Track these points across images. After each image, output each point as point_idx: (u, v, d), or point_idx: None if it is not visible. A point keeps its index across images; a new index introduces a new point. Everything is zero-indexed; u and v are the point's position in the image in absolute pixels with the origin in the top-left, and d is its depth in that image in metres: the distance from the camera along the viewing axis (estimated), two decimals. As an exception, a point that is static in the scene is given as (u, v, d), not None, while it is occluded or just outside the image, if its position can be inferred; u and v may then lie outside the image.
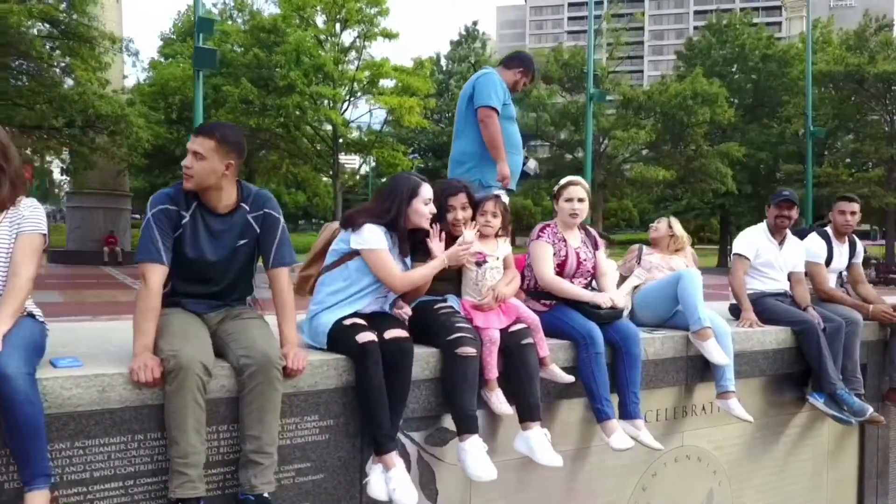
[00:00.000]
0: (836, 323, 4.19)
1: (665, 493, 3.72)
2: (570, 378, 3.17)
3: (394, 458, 2.64)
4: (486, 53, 39.60)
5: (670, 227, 4.33)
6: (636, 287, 4.06)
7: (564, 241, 3.54)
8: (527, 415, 2.98)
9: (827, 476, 4.43)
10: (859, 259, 4.89)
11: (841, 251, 4.74)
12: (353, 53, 23.63)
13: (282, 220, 2.78)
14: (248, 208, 2.70)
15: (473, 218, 3.22)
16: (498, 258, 3.23)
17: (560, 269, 3.49)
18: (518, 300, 3.25)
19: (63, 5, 15.91)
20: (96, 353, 2.62)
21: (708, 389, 3.79)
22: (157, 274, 2.48)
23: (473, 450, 2.77)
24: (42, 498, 2.08)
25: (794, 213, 4.45)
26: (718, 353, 3.54)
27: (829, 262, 4.67)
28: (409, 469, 2.89)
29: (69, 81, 18.06)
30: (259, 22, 21.91)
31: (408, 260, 3.00)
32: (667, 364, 3.66)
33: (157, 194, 2.62)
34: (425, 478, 2.95)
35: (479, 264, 3.16)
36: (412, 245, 3.03)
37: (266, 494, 2.40)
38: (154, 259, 2.49)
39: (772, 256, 4.44)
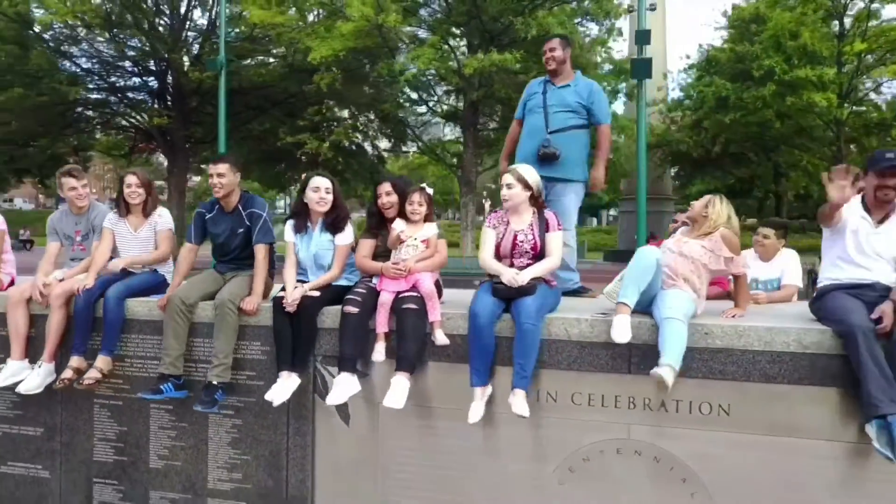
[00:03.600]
0: (910, 327, 3.05)
1: (600, 483, 3.53)
2: (445, 341, 3.61)
3: (285, 375, 3.78)
4: None
5: (706, 205, 3.79)
6: None
7: (508, 224, 3.84)
8: (396, 364, 3.64)
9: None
10: None
11: None
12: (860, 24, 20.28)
13: (264, 214, 4.21)
14: (242, 209, 4.25)
15: (403, 206, 3.96)
16: (416, 238, 3.89)
17: (497, 250, 3.83)
18: (427, 274, 3.81)
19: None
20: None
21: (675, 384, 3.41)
22: (185, 248, 4.29)
23: (338, 382, 3.67)
24: (105, 360, 4.11)
25: None
26: (617, 331, 3.32)
27: None
28: (326, 394, 3.94)
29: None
30: (738, 14, 21.07)
31: (319, 235, 4.04)
32: (598, 348, 3.52)
33: (199, 205, 4.44)
34: (341, 403, 3.90)
35: (401, 243, 3.90)
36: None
37: (215, 382, 3.89)
38: (188, 239, 4.31)
39: (863, 237, 3.43)
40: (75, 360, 4.17)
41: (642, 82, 15.39)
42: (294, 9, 22.58)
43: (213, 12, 25.29)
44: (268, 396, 3.74)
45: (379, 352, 3.72)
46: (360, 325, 3.74)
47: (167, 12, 25.83)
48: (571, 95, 4.64)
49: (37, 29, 20.63)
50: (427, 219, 3.96)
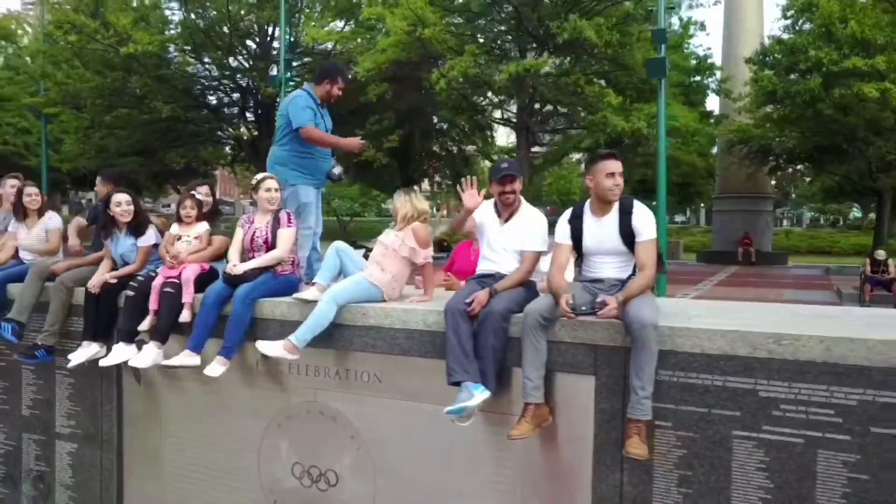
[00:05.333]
0: (486, 310, 3.63)
1: (299, 437, 4.31)
2: (187, 319, 4.52)
3: (85, 344, 4.84)
4: None
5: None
6: None
7: (252, 223, 4.70)
8: (151, 334, 4.58)
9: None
10: (643, 236, 3.55)
11: (600, 226, 3.65)
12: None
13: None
14: None
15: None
16: (190, 236, 4.83)
17: (243, 245, 4.69)
18: (193, 265, 4.72)
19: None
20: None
21: (343, 356, 4.15)
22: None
23: (114, 349, 4.68)
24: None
25: (518, 186, 3.93)
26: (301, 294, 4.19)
27: (577, 241, 3.73)
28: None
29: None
30: (793, 4, 19.95)
31: (124, 239, 5.01)
32: (294, 326, 4.25)
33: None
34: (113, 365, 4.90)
35: (179, 239, 4.87)
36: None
37: (39, 342, 5.03)
38: None
39: (492, 235, 4.02)
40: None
41: (661, 82, 15.34)
42: (351, 25, 24.18)
43: (296, 33, 27.60)
44: (69, 356, 4.82)
45: (144, 324, 4.68)
46: (136, 305, 4.72)
47: (255, 32, 28.40)
48: (327, 119, 5.27)
49: (134, 56, 23.44)
50: (199, 219, 4.90)
